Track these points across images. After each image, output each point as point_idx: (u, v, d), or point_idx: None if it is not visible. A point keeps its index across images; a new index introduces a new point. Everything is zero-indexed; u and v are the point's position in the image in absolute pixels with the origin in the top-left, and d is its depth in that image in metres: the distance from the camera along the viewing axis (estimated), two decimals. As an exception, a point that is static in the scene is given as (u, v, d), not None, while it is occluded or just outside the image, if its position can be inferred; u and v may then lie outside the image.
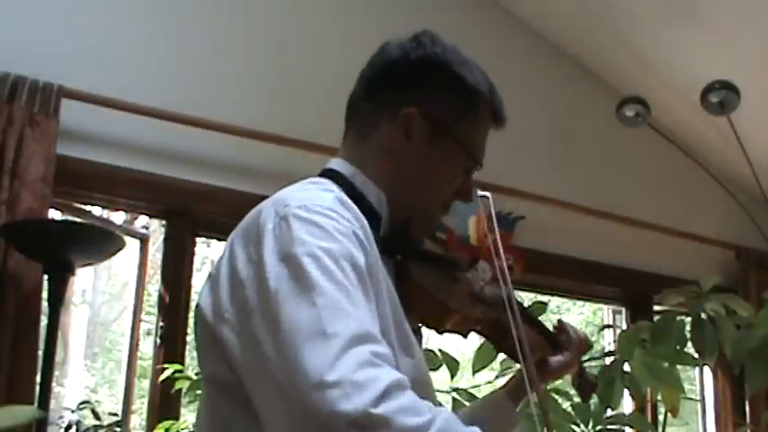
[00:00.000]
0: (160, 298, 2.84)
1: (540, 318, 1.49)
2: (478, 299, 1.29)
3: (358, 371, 0.86)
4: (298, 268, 0.95)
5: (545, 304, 2.21)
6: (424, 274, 1.21)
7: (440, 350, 2.26)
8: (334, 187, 1.14)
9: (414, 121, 1.18)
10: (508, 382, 1.44)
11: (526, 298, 4.54)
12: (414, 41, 1.23)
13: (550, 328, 1.47)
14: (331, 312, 0.91)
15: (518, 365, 1.36)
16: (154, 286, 4.66)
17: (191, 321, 2.97)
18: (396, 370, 0.90)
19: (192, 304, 2.97)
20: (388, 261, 1.17)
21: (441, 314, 1.23)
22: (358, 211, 1.09)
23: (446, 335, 1.28)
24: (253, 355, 0.95)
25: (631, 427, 2.43)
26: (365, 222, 1.08)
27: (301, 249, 0.96)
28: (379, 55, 1.27)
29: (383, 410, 0.84)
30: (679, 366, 2.10)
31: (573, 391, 1.67)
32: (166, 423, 2.50)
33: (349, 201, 1.10)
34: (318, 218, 1.01)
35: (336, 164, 1.23)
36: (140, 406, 4.38)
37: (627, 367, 2.09)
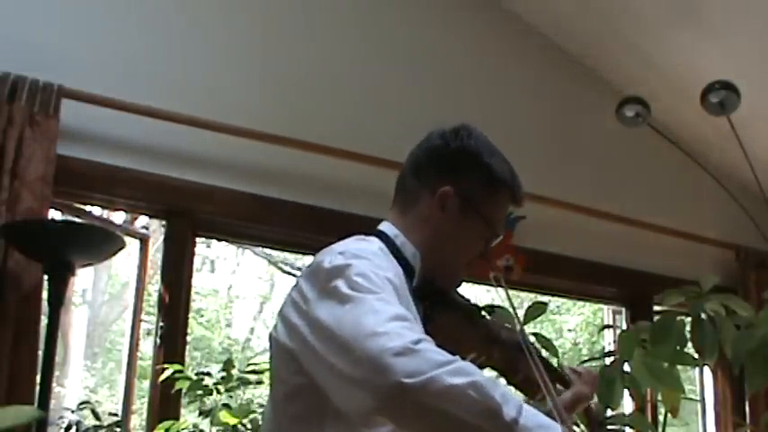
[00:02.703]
0: (160, 298, 2.84)
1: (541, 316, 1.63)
2: (494, 341, 1.51)
3: (400, 328, 1.14)
4: (353, 282, 1.24)
5: (545, 304, 2.21)
6: (447, 318, 1.47)
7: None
8: (379, 241, 1.43)
9: (449, 198, 1.47)
10: None
11: (526, 298, 4.54)
12: (453, 133, 1.51)
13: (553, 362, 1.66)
14: (380, 302, 1.20)
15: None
16: (154, 286, 4.66)
17: (191, 321, 2.97)
18: None
19: (193, 304, 2.98)
20: (419, 306, 1.42)
21: (457, 352, 1.45)
22: (395, 262, 1.40)
23: None
24: (323, 341, 1.22)
25: (631, 427, 2.42)
26: (400, 271, 1.38)
27: (355, 270, 1.26)
28: (425, 141, 1.54)
29: (419, 347, 1.11)
30: (679, 366, 2.10)
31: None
32: (166, 423, 2.50)
33: (389, 254, 1.41)
34: (366, 254, 1.32)
35: (384, 226, 1.51)
36: (140, 406, 4.38)
37: (627, 367, 2.09)
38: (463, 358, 1.49)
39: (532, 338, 1.72)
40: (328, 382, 1.22)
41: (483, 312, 1.58)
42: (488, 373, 1.57)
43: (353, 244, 1.38)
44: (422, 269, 1.47)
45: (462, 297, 1.55)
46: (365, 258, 1.31)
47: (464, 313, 1.51)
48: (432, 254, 1.47)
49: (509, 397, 1.13)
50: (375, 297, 1.21)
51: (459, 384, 1.09)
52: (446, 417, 1.09)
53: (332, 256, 1.32)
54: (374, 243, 1.41)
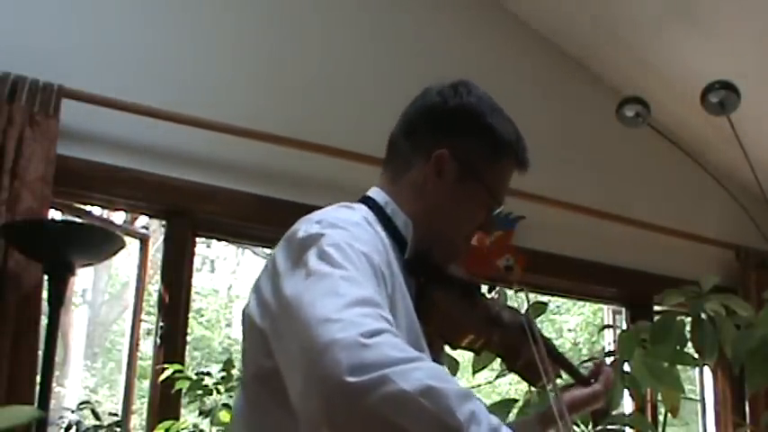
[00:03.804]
0: (160, 298, 2.84)
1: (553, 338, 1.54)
2: (494, 322, 1.38)
3: (359, 317, 0.97)
4: (323, 254, 1.09)
5: (545, 304, 2.22)
6: (443, 296, 1.33)
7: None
8: (365, 209, 1.30)
9: (445, 163, 1.31)
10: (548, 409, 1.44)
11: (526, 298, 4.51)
12: (452, 89, 1.35)
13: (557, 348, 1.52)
14: (345, 282, 1.04)
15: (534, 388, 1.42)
16: (154, 286, 4.66)
17: (191, 321, 2.97)
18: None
19: (193, 304, 2.98)
20: (411, 282, 1.28)
21: (453, 333, 1.34)
22: (381, 232, 1.26)
23: (459, 350, 1.40)
24: (285, 321, 1.08)
25: (631, 427, 2.42)
26: (386, 243, 1.24)
27: (328, 240, 1.11)
28: (420, 98, 1.39)
29: (372, 341, 0.93)
30: (679, 366, 2.10)
31: None
32: (166, 423, 2.50)
33: (375, 223, 1.26)
34: (345, 224, 1.17)
35: (373, 192, 1.36)
36: (140, 406, 4.38)
37: (627, 367, 2.09)
38: (460, 341, 1.34)
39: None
40: (284, 372, 1.06)
41: (483, 291, 1.43)
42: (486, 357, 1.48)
43: (333, 212, 1.23)
44: (416, 241, 1.31)
45: (461, 273, 1.40)
46: (342, 228, 1.16)
47: (462, 291, 1.36)
48: (427, 225, 1.32)
49: (482, 417, 0.92)
50: (341, 274, 1.05)
51: (408, 390, 0.90)
52: (388, 426, 0.90)
53: (308, 224, 1.18)
54: (358, 211, 1.27)
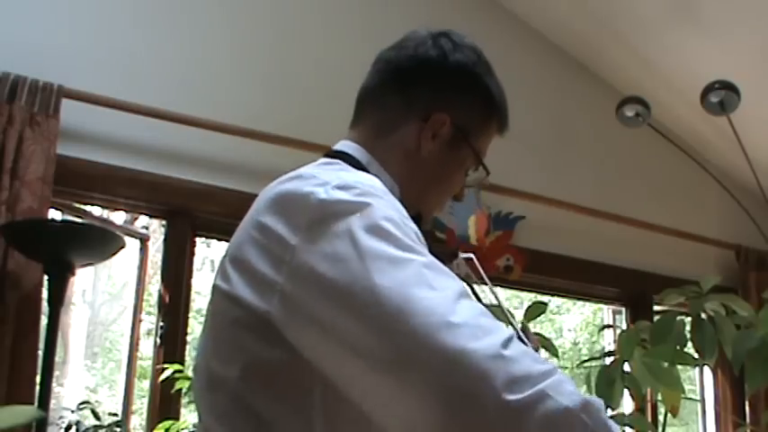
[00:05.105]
0: (160, 298, 2.84)
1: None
2: None
3: (479, 317, 0.86)
4: (379, 230, 0.91)
5: (545, 304, 2.21)
6: None
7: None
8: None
9: (443, 127, 1.19)
10: None
11: (526, 298, 4.54)
12: (449, 41, 1.23)
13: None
14: (430, 271, 0.89)
15: None
16: (154, 286, 4.66)
17: (191, 321, 2.97)
18: None
19: (193, 304, 2.98)
20: None
21: None
22: None
23: None
24: (334, 308, 0.89)
25: (631, 427, 2.42)
26: None
27: (378, 213, 0.93)
28: (411, 48, 1.24)
29: (512, 353, 0.83)
30: (679, 366, 2.09)
31: None
32: (166, 423, 2.50)
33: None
34: (376, 190, 0.99)
35: (349, 147, 1.21)
36: (140, 406, 4.38)
37: (627, 367, 2.09)
38: None
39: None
40: (355, 376, 0.89)
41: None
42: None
43: (339, 173, 1.03)
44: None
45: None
46: (379, 197, 0.97)
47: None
48: (413, 191, 1.19)
49: (604, 412, 0.87)
50: (423, 262, 0.89)
51: (571, 406, 0.82)
52: None
53: (322, 186, 0.97)
54: (365, 174, 1.10)
